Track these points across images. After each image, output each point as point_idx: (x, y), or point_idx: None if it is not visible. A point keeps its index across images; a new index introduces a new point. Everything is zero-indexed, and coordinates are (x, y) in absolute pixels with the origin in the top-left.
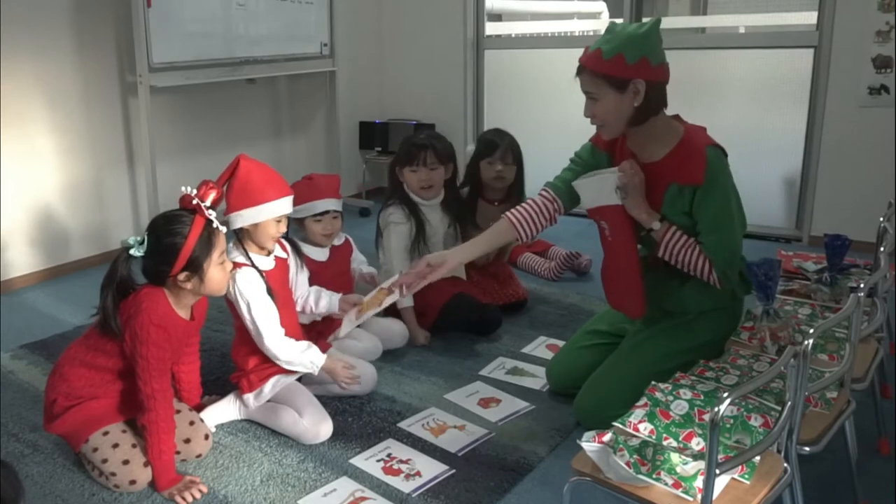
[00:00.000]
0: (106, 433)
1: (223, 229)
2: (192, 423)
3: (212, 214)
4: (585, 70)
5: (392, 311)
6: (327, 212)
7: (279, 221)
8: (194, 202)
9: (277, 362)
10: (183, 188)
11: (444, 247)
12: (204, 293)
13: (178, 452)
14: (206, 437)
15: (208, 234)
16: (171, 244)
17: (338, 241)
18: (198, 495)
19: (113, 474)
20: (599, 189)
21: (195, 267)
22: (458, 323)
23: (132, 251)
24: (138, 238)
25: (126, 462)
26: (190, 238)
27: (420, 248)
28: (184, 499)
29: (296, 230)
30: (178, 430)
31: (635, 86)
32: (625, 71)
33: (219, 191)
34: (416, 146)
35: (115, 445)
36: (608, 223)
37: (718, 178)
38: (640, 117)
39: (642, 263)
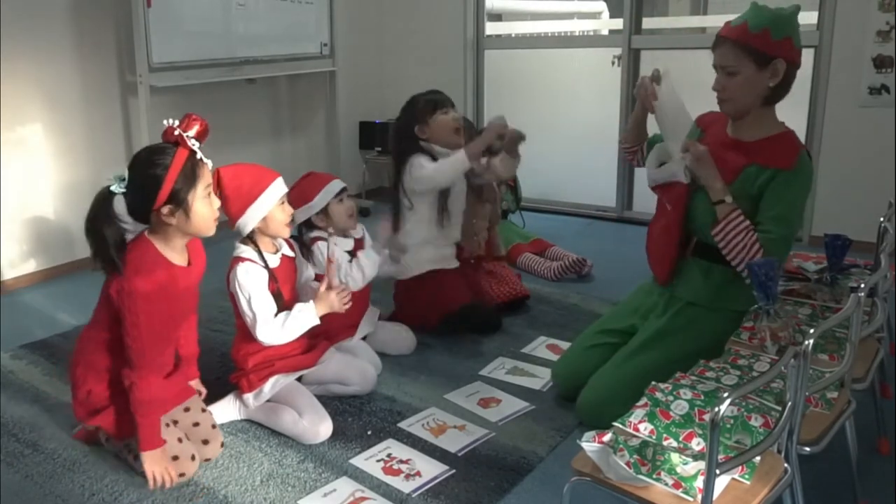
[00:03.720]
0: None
1: (209, 162)
2: (213, 426)
3: (195, 145)
4: (727, 42)
5: (399, 317)
6: (343, 189)
7: (283, 203)
8: (176, 133)
9: (279, 342)
10: (165, 121)
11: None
12: (191, 231)
13: (192, 458)
14: (222, 444)
15: (192, 165)
16: (152, 176)
17: (357, 234)
18: (176, 478)
19: None
20: (671, 174)
21: (179, 200)
22: (459, 329)
23: (112, 188)
24: (119, 175)
25: (175, 458)
26: (172, 169)
27: (447, 201)
28: (163, 478)
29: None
30: (199, 430)
31: (776, 64)
32: (769, 46)
33: (202, 123)
34: (433, 97)
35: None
36: (669, 199)
37: (805, 176)
38: (774, 98)
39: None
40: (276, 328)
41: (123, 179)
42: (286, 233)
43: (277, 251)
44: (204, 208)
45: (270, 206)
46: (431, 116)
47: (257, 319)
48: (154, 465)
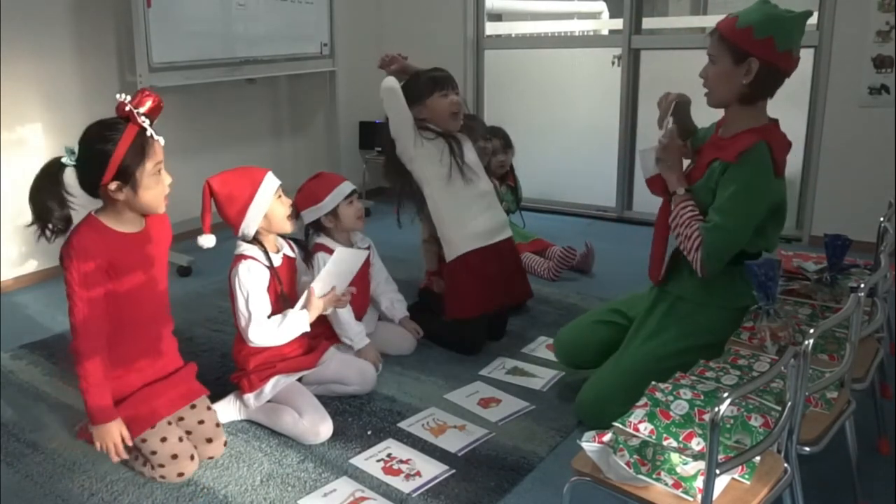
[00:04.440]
0: (153, 426)
1: (160, 140)
2: (217, 424)
3: (145, 122)
4: (716, 33)
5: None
6: (353, 192)
7: (280, 196)
8: (127, 108)
9: (269, 344)
10: (118, 96)
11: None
12: (140, 208)
13: (192, 458)
14: (225, 443)
15: (141, 142)
16: (101, 151)
17: (363, 244)
18: (119, 454)
19: (161, 466)
20: (647, 160)
21: (126, 176)
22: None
23: (63, 160)
24: (71, 148)
25: (175, 456)
26: (120, 145)
27: (460, 165)
28: (114, 450)
29: (299, 233)
30: (203, 428)
31: (750, 62)
32: (748, 44)
33: (155, 99)
34: (436, 75)
35: (164, 439)
36: (657, 191)
37: (751, 166)
38: (751, 97)
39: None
40: (268, 330)
41: (74, 153)
42: (290, 226)
43: (279, 251)
44: (153, 184)
45: (268, 203)
46: (430, 97)
47: (251, 319)
48: (103, 437)
